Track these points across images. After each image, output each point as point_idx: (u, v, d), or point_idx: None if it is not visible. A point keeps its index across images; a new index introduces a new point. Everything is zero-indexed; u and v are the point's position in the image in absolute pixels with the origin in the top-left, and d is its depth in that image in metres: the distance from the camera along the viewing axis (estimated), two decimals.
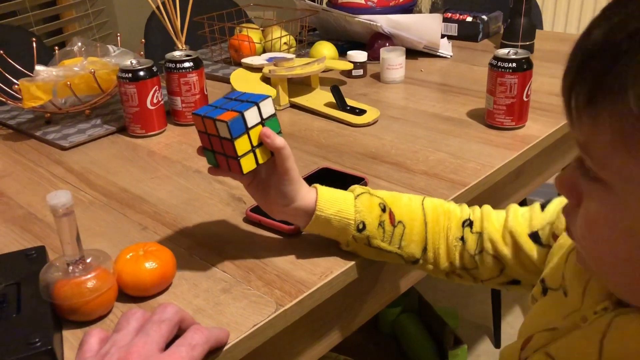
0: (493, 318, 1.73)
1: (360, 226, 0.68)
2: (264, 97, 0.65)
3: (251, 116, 0.63)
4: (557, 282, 0.55)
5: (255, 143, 0.64)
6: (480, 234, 0.70)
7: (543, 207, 0.68)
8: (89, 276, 0.61)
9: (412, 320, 1.58)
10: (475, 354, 1.72)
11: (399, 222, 0.70)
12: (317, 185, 0.70)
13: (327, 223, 0.69)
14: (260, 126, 0.64)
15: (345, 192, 0.71)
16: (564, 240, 0.60)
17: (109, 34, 2.26)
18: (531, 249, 0.66)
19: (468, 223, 0.71)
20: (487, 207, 0.73)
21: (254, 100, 0.64)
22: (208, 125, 0.64)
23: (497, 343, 1.74)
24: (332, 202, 0.69)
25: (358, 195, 0.70)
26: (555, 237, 0.63)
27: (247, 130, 0.63)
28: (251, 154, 0.64)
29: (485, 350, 1.73)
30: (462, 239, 0.71)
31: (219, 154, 0.66)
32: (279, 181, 0.66)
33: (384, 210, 0.70)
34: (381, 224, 0.69)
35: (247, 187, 0.69)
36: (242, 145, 0.63)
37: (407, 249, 0.71)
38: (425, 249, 0.71)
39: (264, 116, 0.64)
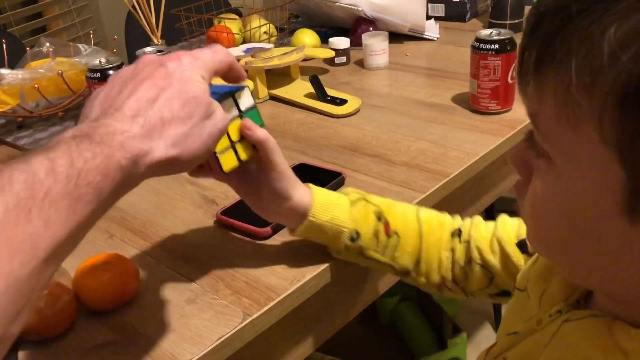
0: (493, 303, 1.70)
1: (354, 235, 0.65)
2: (240, 88, 0.59)
3: (226, 109, 0.58)
4: (523, 283, 0.52)
5: (235, 138, 0.58)
6: (467, 243, 0.67)
7: None
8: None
9: (410, 310, 1.55)
10: (476, 341, 1.69)
11: (394, 232, 0.67)
12: (312, 187, 0.65)
13: (320, 230, 0.64)
14: (238, 119, 0.59)
15: (341, 197, 0.66)
16: None
17: (93, 30, 2.22)
18: (518, 258, 0.63)
19: (457, 233, 0.68)
20: (477, 217, 0.70)
21: (232, 90, 0.58)
22: None
23: (497, 329, 1.71)
24: (326, 207, 0.64)
25: (354, 202, 0.66)
26: None
27: None
28: (231, 151, 0.59)
29: (486, 337, 1.70)
30: (452, 250, 0.68)
31: None
32: (269, 178, 0.61)
33: (379, 219, 0.66)
34: (376, 234, 0.65)
35: (237, 190, 0.65)
36: (232, 133, 0.58)
37: (400, 260, 0.67)
38: (418, 262, 0.68)
39: (242, 108, 0.59)
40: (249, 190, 0.64)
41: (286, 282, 0.65)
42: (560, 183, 0.36)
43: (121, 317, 0.62)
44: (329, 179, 0.82)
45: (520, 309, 0.51)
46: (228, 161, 0.58)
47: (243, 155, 0.59)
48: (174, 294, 0.65)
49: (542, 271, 0.50)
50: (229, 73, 0.54)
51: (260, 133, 0.59)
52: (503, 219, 0.67)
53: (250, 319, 0.60)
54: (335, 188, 0.82)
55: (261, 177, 0.62)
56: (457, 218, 0.71)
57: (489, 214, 1.73)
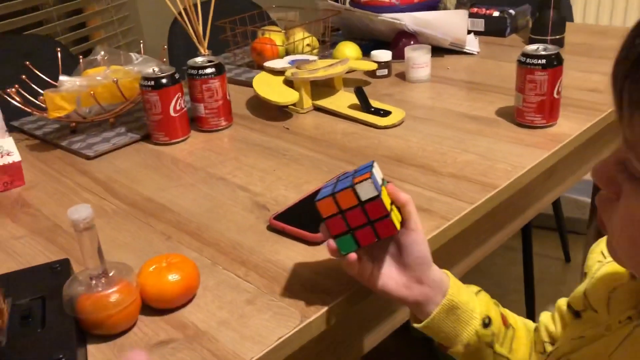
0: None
1: (487, 321, 0.64)
2: (372, 162, 0.62)
3: (376, 176, 0.60)
4: (580, 303, 0.53)
5: (389, 207, 0.60)
6: (537, 329, 0.71)
7: None
8: (111, 290, 0.60)
9: None
10: None
11: (510, 324, 0.68)
12: (444, 270, 0.65)
13: (453, 312, 0.63)
14: (384, 188, 0.61)
15: (463, 285, 0.67)
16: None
17: (134, 40, 2.28)
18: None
19: (535, 328, 0.72)
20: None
21: (368, 165, 0.61)
22: (342, 199, 0.59)
23: None
24: (459, 288, 0.64)
25: (477, 292, 0.67)
26: None
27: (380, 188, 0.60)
28: (392, 213, 0.60)
29: None
30: (534, 342, 0.71)
31: (360, 229, 0.60)
32: (411, 241, 0.61)
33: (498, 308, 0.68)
34: (499, 324, 0.66)
35: (367, 280, 0.62)
36: (386, 199, 0.59)
37: (517, 352, 0.67)
38: (530, 355, 0.69)
39: (379, 180, 0.61)
40: (383, 272, 0.62)
41: (340, 286, 0.67)
42: None
43: (182, 316, 0.64)
44: None
45: (587, 323, 0.52)
46: (396, 220, 0.60)
47: (398, 218, 0.61)
48: (232, 294, 0.67)
49: (600, 283, 0.51)
50: None
51: (405, 196, 0.60)
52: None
53: (307, 320, 0.62)
54: None
55: (402, 245, 0.61)
56: None
57: (525, 231, 1.72)
